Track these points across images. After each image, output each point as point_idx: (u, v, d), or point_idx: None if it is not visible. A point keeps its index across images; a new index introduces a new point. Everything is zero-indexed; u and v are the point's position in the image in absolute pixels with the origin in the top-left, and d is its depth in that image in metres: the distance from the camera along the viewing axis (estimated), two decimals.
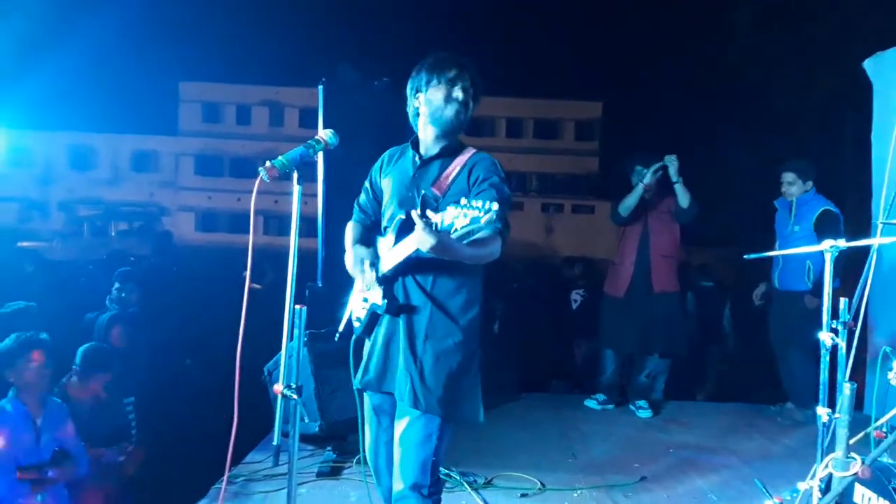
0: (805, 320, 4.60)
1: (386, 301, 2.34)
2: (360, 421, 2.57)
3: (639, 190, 4.94)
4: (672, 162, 4.85)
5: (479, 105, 2.46)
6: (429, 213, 1.98)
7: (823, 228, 4.56)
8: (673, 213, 4.99)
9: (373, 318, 2.44)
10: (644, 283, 5.02)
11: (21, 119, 24.57)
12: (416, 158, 2.45)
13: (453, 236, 1.98)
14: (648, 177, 4.90)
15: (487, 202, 1.92)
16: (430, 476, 2.32)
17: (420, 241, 2.02)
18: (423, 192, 2.37)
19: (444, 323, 2.33)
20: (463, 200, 1.94)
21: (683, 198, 4.87)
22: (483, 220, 1.92)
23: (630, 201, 4.97)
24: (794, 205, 4.89)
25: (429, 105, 2.40)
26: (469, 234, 2.12)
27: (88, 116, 32.98)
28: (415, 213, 1.99)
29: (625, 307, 5.06)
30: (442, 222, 1.95)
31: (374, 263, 2.41)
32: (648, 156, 5.05)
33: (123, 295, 5.06)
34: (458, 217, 1.93)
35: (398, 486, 2.34)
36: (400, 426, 2.35)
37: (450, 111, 2.37)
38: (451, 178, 2.36)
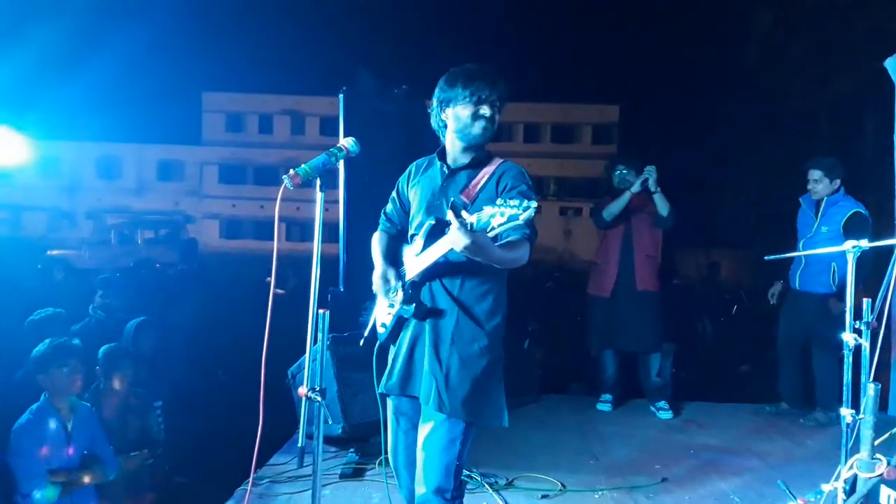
0: (826, 322, 4.56)
1: (413, 305, 2.37)
2: (382, 424, 2.60)
3: (625, 198, 5.01)
4: (651, 173, 4.93)
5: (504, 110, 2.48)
6: (464, 213, 2.00)
7: (853, 231, 4.47)
8: (653, 218, 5.07)
9: (399, 324, 2.47)
10: (628, 281, 5.09)
11: (49, 130, 25.09)
12: (445, 168, 2.48)
13: (490, 235, 2.02)
14: (637, 185, 4.96)
15: (525, 201, 1.94)
16: (453, 480, 2.33)
17: (455, 240, 2.04)
18: (451, 199, 2.38)
19: (470, 328, 2.36)
20: (499, 200, 1.97)
21: (663, 207, 4.99)
22: (522, 217, 1.94)
23: (616, 208, 5.05)
24: (822, 204, 4.81)
25: (457, 121, 2.43)
26: (505, 233, 2.16)
27: (115, 127, 33.60)
28: (451, 213, 2.01)
29: (612, 306, 5.12)
30: (479, 220, 1.97)
31: (401, 273, 2.44)
32: (632, 159, 5.15)
33: (107, 301, 5.08)
34: (494, 216, 1.95)
35: (421, 489, 2.35)
36: (424, 430, 2.36)
37: (477, 128, 2.41)
38: (479, 187, 2.39)
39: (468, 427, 2.35)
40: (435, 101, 2.50)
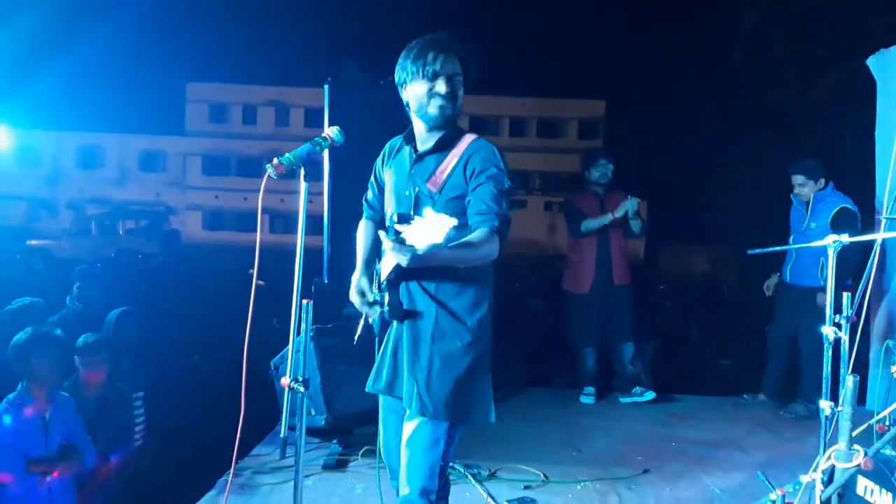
0: (816, 315, 4.61)
1: (388, 308, 2.27)
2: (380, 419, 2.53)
3: (606, 219, 5.09)
4: (634, 205, 5.05)
5: (473, 83, 2.30)
6: (403, 229, 1.92)
7: (840, 226, 4.52)
8: (623, 230, 5.20)
9: (384, 323, 2.38)
10: (605, 277, 5.18)
11: (30, 119, 24.72)
12: (413, 152, 2.34)
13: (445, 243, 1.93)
14: (620, 212, 5.05)
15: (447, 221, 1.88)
16: (437, 480, 2.27)
17: (396, 259, 1.99)
18: (417, 189, 2.28)
19: (451, 325, 2.25)
20: (441, 216, 1.89)
21: (636, 227, 5.15)
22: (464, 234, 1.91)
23: (595, 224, 5.14)
24: (811, 201, 4.88)
25: (415, 100, 2.27)
26: (473, 224, 2.10)
27: (96, 116, 33.19)
28: (382, 235, 1.95)
29: (590, 302, 5.19)
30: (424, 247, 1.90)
31: (376, 271, 2.36)
32: (613, 153, 5.30)
33: (86, 293, 5.03)
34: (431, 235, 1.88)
35: (405, 490, 2.30)
36: (407, 430, 2.30)
37: (433, 108, 2.23)
38: (447, 173, 2.24)
39: (453, 426, 2.27)
40: (396, 79, 2.34)
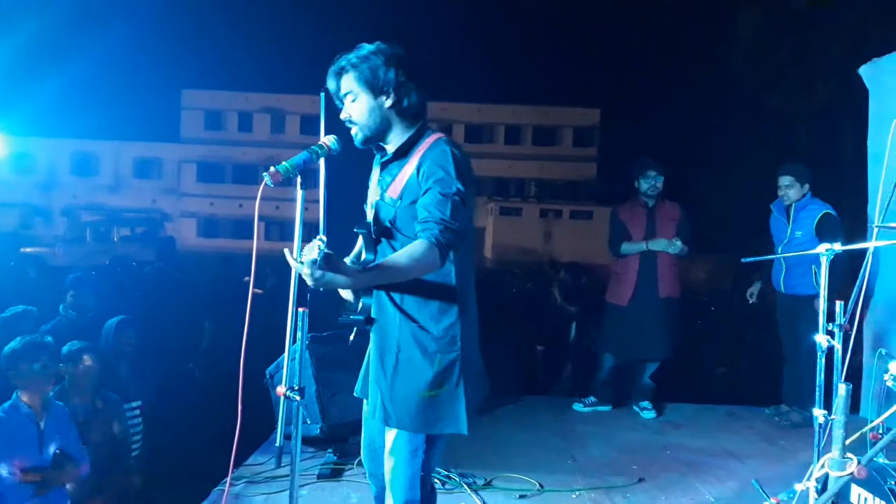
0: (814, 324, 4.60)
1: (361, 316, 2.25)
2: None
3: (642, 247, 5.00)
4: (675, 249, 4.97)
5: (417, 84, 2.22)
6: (305, 249, 1.95)
7: (825, 232, 4.57)
8: (675, 232, 5.06)
9: (361, 330, 2.35)
10: (649, 289, 5.03)
11: (24, 126, 24.69)
12: (380, 159, 2.33)
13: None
14: (655, 246, 4.97)
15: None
16: (419, 490, 2.25)
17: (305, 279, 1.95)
18: (377, 197, 2.28)
19: (416, 334, 2.21)
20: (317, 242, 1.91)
21: (683, 253, 5.04)
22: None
23: (633, 250, 5.04)
24: (791, 209, 4.89)
25: None
26: (420, 233, 2.08)
27: (91, 123, 33.21)
28: (286, 251, 1.95)
29: (628, 315, 5.07)
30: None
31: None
32: (659, 162, 5.12)
33: (80, 301, 4.98)
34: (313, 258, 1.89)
35: (389, 502, 2.29)
36: (388, 439, 2.28)
37: (354, 133, 2.25)
38: (405, 179, 2.20)
39: (431, 436, 2.24)
40: None
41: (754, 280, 5.34)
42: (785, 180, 4.89)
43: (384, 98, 2.22)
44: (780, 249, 4.97)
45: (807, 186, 4.87)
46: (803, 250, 4.51)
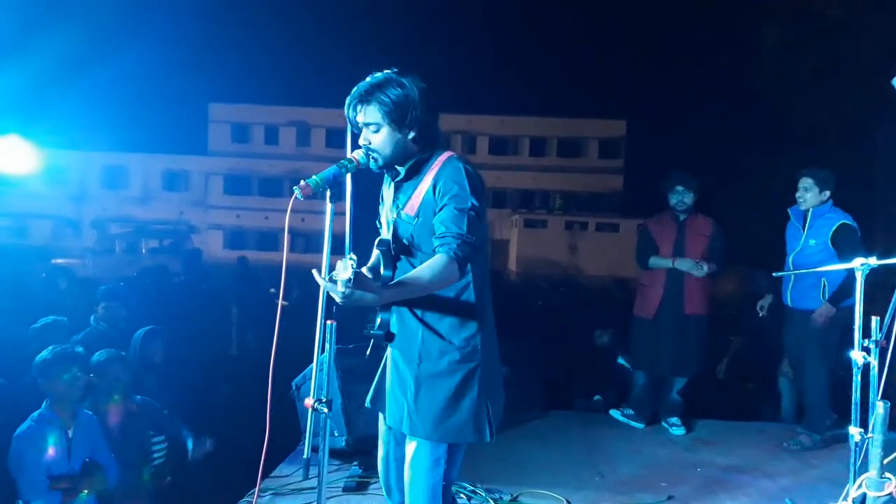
0: (818, 342, 4.46)
1: (382, 331, 2.28)
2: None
3: (668, 263, 4.94)
4: (700, 272, 4.90)
5: (434, 115, 2.27)
6: (338, 265, 1.98)
7: (841, 243, 4.35)
8: (708, 243, 4.99)
9: (376, 344, 2.39)
10: (675, 304, 4.94)
11: (57, 139, 25.29)
12: (393, 179, 2.37)
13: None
14: (681, 266, 4.91)
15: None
16: (440, 500, 2.27)
17: (333, 297, 1.99)
18: (395, 215, 2.31)
19: (437, 344, 2.25)
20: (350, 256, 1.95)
21: (711, 270, 4.96)
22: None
23: (661, 265, 4.98)
24: (808, 216, 4.59)
25: None
26: (438, 247, 2.12)
27: (121, 137, 33.90)
28: (315, 274, 1.99)
29: (655, 329, 5.00)
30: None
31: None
32: (687, 176, 5.05)
33: (111, 313, 5.04)
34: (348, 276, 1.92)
35: None
36: (409, 450, 2.30)
37: (369, 160, 2.25)
38: (421, 197, 2.26)
39: (452, 446, 2.27)
40: None
41: (764, 293, 5.18)
42: (805, 182, 4.58)
43: (407, 131, 2.25)
44: (791, 258, 4.67)
45: (827, 194, 4.55)
46: (816, 260, 4.36)
